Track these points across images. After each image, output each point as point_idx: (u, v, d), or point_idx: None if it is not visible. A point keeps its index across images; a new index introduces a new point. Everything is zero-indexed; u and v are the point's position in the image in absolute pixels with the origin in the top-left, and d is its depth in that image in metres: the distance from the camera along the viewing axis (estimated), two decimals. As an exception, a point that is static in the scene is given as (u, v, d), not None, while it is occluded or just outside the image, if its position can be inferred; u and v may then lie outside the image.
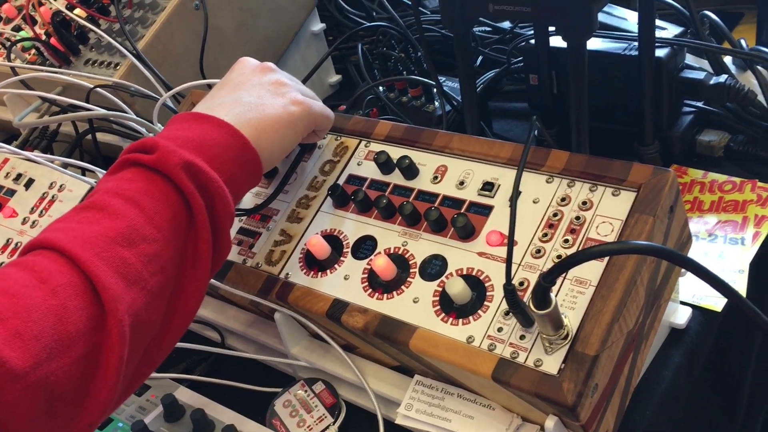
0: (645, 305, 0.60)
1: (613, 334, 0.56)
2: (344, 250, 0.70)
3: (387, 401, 0.70)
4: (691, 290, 0.75)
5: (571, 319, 0.56)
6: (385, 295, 0.65)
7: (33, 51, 1.16)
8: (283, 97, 0.66)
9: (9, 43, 1.15)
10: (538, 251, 0.61)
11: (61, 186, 0.95)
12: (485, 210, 0.66)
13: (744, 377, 0.87)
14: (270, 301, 0.71)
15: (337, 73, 1.29)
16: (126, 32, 1.01)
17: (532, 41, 0.91)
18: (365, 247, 0.69)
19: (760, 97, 0.88)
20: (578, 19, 0.72)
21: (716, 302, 0.74)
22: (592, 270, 0.58)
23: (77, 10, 1.12)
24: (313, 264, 0.70)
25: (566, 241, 0.61)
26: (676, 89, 0.88)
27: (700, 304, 0.74)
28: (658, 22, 0.88)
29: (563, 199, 0.63)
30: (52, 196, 0.95)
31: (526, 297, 0.58)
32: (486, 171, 0.68)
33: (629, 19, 0.98)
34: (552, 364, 0.55)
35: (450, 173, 0.70)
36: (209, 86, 0.98)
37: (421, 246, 0.67)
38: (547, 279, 0.51)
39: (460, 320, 0.61)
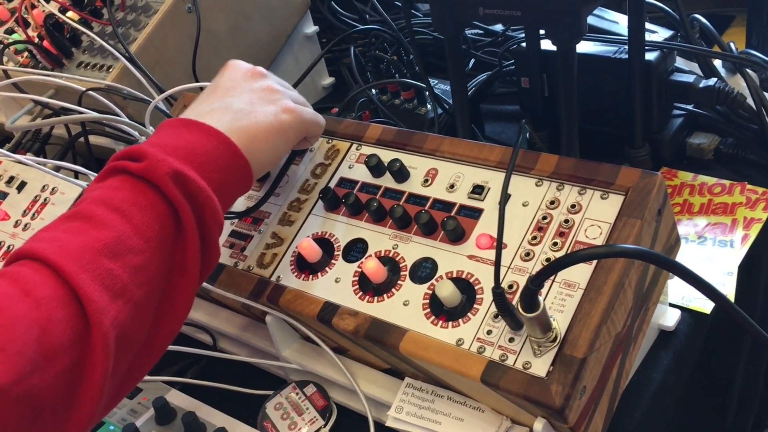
0: (633, 308, 0.60)
1: (602, 336, 0.56)
2: (335, 253, 0.70)
3: (378, 404, 0.70)
4: (680, 292, 0.75)
5: (560, 322, 0.57)
6: (376, 297, 0.66)
7: (26, 54, 1.16)
8: (274, 105, 0.65)
9: (2, 45, 1.15)
10: (528, 254, 0.62)
11: (53, 189, 0.95)
12: (475, 213, 0.66)
13: (733, 379, 0.87)
14: (261, 303, 0.72)
15: (330, 76, 1.30)
16: (118, 35, 1.01)
17: (524, 44, 0.91)
18: (356, 250, 0.70)
19: (750, 100, 0.89)
20: (567, 23, 0.72)
21: (705, 304, 0.75)
22: (580, 273, 0.58)
23: (70, 13, 1.12)
24: (305, 267, 0.70)
25: (555, 244, 0.61)
26: (666, 92, 0.88)
27: (689, 306, 0.75)
28: (649, 26, 0.89)
29: (552, 203, 0.64)
30: (45, 199, 0.95)
31: (515, 300, 0.59)
32: (476, 174, 0.69)
33: (620, 23, 0.98)
34: (540, 366, 0.56)
35: (440, 176, 0.70)
36: (202, 89, 0.98)
37: (412, 249, 0.67)
38: (535, 282, 0.52)
39: (450, 323, 0.61)
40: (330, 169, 0.76)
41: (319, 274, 0.69)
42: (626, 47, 0.86)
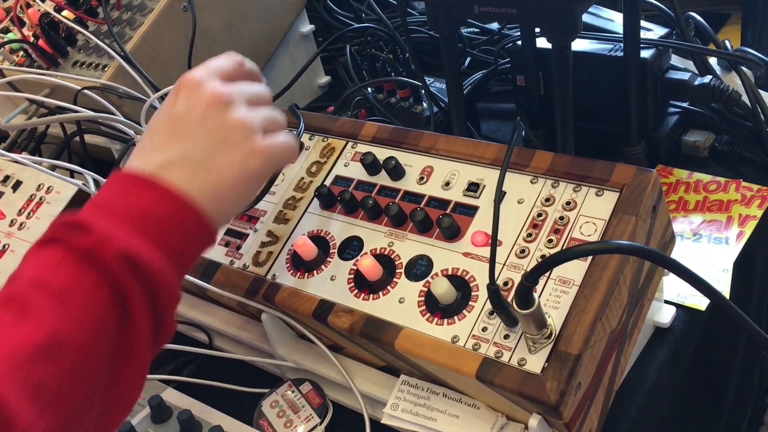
0: (628, 304, 0.60)
1: (596, 333, 0.56)
2: (331, 251, 0.70)
3: (373, 401, 0.70)
4: (675, 289, 0.76)
5: (555, 319, 0.57)
6: (371, 295, 0.66)
7: (21, 53, 1.16)
8: (240, 148, 0.55)
9: (-3, 44, 1.15)
10: (523, 251, 0.62)
11: (49, 188, 0.95)
12: (470, 210, 0.66)
13: (729, 375, 0.88)
14: (257, 302, 0.71)
15: (326, 74, 1.30)
16: (114, 34, 1.01)
17: (519, 42, 0.92)
18: (352, 247, 0.70)
19: (745, 98, 0.89)
20: (562, 21, 0.72)
21: (700, 301, 0.75)
22: (575, 269, 0.58)
23: (65, 12, 1.12)
24: (300, 265, 0.71)
25: (550, 241, 0.61)
26: (662, 90, 0.88)
27: (685, 303, 0.75)
28: (644, 24, 0.89)
29: (547, 200, 0.64)
30: (40, 198, 0.95)
31: (511, 297, 0.59)
32: (471, 172, 0.69)
33: (616, 21, 0.98)
34: (535, 363, 0.56)
35: (436, 174, 0.70)
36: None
37: (407, 246, 0.67)
38: (530, 279, 0.52)
39: (446, 320, 0.61)
40: (325, 167, 0.76)
41: (315, 272, 0.69)
42: (621, 45, 0.86)
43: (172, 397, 0.76)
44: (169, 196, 0.51)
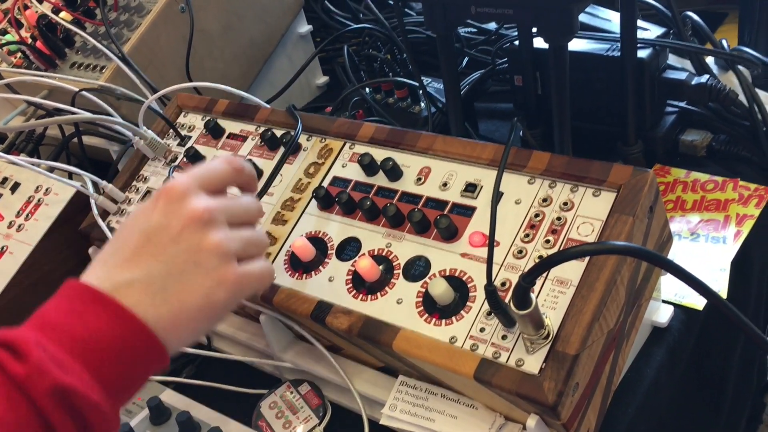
0: (625, 304, 0.60)
1: (594, 333, 0.56)
2: (329, 252, 0.70)
3: (372, 402, 0.71)
4: (672, 289, 0.76)
5: (552, 319, 0.57)
6: (369, 296, 0.66)
7: (19, 54, 1.16)
8: (209, 276, 0.51)
9: (-6, 46, 1.15)
10: (520, 252, 0.62)
11: (47, 189, 0.95)
12: (468, 211, 0.67)
13: (727, 375, 0.88)
14: (255, 303, 0.72)
15: (324, 75, 1.30)
16: (111, 35, 1.01)
17: (517, 42, 0.92)
18: (350, 248, 0.70)
19: (742, 97, 0.89)
20: (559, 21, 0.72)
21: (698, 301, 0.75)
22: (572, 270, 0.58)
23: (63, 14, 1.12)
24: (298, 266, 0.71)
25: (547, 241, 0.62)
26: (659, 90, 0.89)
27: (682, 303, 0.75)
28: (641, 23, 0.89)
29: (545, 200, 0.64)
30: (38, 200, 0.95)
31: (508, 297, 0.59)
32: (469, 172, 0.69)
33: (613, 21, 0.99)
34: (533, 363, 0.56)
35: (433, 175, 0.70)
36: (195, 89, 0.99)
37: (405, 247, 0.67)
38: (527, 279, 0.52)
39: (443, 321, 0.61)
40: (323, 168, 0.76)
41: (313, 273, 0.70)
42: (618, 45, 0.86)
43: (171, 398, 0.76)
44: (122, 320, 0.48)
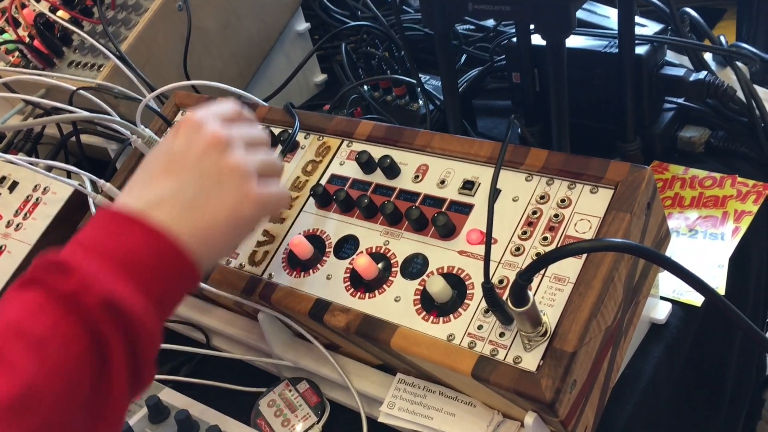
0: (623, 301, 0.60)
1: (592, 330, 0.56)
2: (327, 250, 0.70)
3: (370, 400, 0.71)
4: (670, 285, 0.76)
5: (550, 316, 0.57)
6: (367, 294, 0.66)
7: (16, 53, 1.16)
8: (234, 192, 0.54)
9: (-8, 45, 1.15)
10: (518, 249, 0.62)
11: (45, 188, 0.95)
12: (466, 209, 0.67)
13: (726, 370, 0.88)
14: (253, 301, 0.72)
15: (322, 73, 1.30)
16: (109, 34, 1.01)
17: (515, 39, 0.91)
18: (347, 246, 0.70)
19: (740, 93, 0.89)
20: (556, 18, 0.72)
21: (696, 297, 0.75)
22: (570, 267, 0.58)
23: (60, 12, 1.12)
24: (296, 264, 0.71)
25: (545, 238, 0.61)
26: (657, 86, 0.88)
27: (680, 299, 0.75)
28: (639, 20, 0.89)
29: (542, 197, 0.64)
30: (37, 199, 0.95)
31: (506, 295, 0.59)
32: (466, 170, 0.69)
33: (611, 17, 0.98)
34: (531, 361, 0.56)
35: (431, 172, 0.70)
36: (193, 87, 0.99)
37: (403, 245, 0.67)
38: (524, 277, 0.52)
39: (441, 318, 0.61)
40: (321, 166, 0.76)
41: (311, 271, 0.70)
42: (616, 41, 0.86)
43: (170, 396, 0.76)
44: (155, 237, 0.50)
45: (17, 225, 0.94)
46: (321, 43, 1.20)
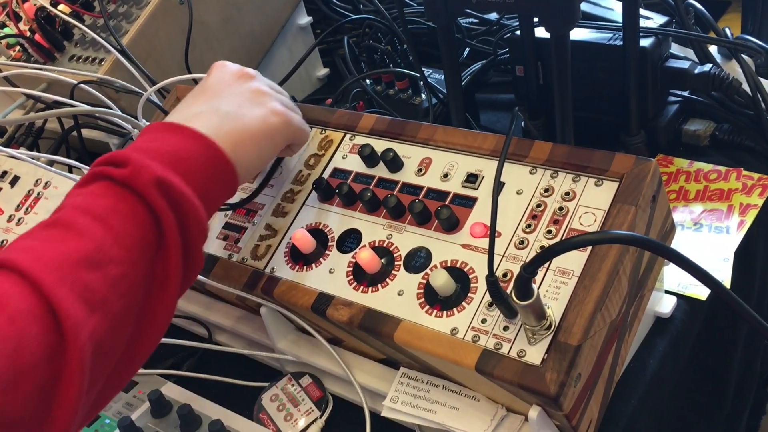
0: (628, 295, 0.60)
1: (596, 323, 0.56)
2: (329, 244, 0.70)
3: (373, 394, 0.70)
4: (675, 279, 0.75)
5: (554, 310, 0.56)
6: (370, 288, 0.65)
7: (17, 47, 1.16)
8: (262, 107, 0.64)
9: (-7, 39, 1.15)
10: (522, 242, 0.61)
11: (46, 183, 0.95)
12: (469, 202, 0.66)
13: (731, 364, 0.87)
14: (256, 295, 0.71)
15: (324, 67, 1.29)
16: (110, 27, 1.01)
17: (518, 32, 0.91)
18: (350, 240, 0.69)
19: (745, 86, 0.88)
20: (560, 10, 0.71)
21: (701, 291, 0.74)
22: (574, 260, 0.58)
23: (61, 6, 1.11)
24: (299, 258, 0.70)
25: (549, 231, 0.61)
26: (661, 79, 0.88)
27: (685, 293, 0.75)
28: (643, 12, 0.88)
29: (546, 190, 0.63)
30: (38, 193, 0.94)
31: (510, 288, 0.58)
32: (470, 163, 0.68)
33: (615, 9, 0.98)
34: (535, 354, 0.55)
35: (434, 165, 0.70)
36: (195, 81, 0.98)
37: (406, 238, 0.67)
38: (528, 270, 0.51)
39: (444, 312, 0.61)
40: (323, 160, 0.76)
41: (314, 265, 0.69)
42: (621, 34, 0.85)
43: (172, 391, 0.76)
44: (194, 138, 0.57)
45: (18, 219, 0.93)
46: (323, 37, 1.20)
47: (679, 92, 0.92)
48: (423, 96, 1.03)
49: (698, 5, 0.94)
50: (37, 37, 1.10)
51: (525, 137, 0.81)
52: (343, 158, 0.75)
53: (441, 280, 0.60)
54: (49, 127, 1.14)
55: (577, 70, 0.78)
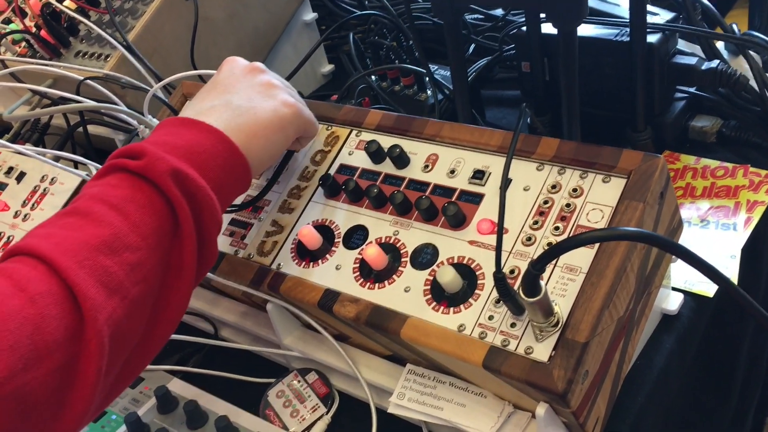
0: (635, 292, 0.60)
1: (604, 320, 0.56)
2: (336, 240, 0.70)
3: (380, 390, 0.70)
4: (683, 276, 0.75)
5: (562, 307, 0.56)
6: (377, 284, 0.65)
7: (23, 43, 1.16)
8: (273, 99, 0.65)
9: (-1, 35, 1.15)
10: (529, 239, 0.61)
11: (52, 179, 0.95)
12: (476, 198, 0.66)
13: (737, 362, 0.87)
14: (262, 291, 0.71)
15: (329, 63, 1.29)
16: (116, 23, 1.01)
17: (524, 28, 0.91)
18: (357, 236, 0.69)
19: (752, 82, 0.88)
20: (568, 6, 0.71)
21: (708, 288, 0.74)
22: (582, 257, 0.58)
23: (67, 2, 1.11)
24: (305, 254, 0.70)
25: (557, 228, 0.61)
26: (668, 75, 0.88)
27: (692, 290, 0.74)
28: (650, 8, 0.88)
29: (554, 187, 0.63)
30: (44, 189, 0.95)
31: (517, 285, 0.58)
32: (477, 159, 0.68)
33: (622, 5, 0.97)
34: (542, 351, 0.55)
35: (441, 162, 0.70)
36: (200, 77, 0.98)
37: (413, 235, 0.66)
38: (536, 266, 0.51)
39: (451, 309, 0.61)
40: (330, 156, 0.76)
41: (320, 261, 0.69)
42: (628, 30, 0.85)
43: (178, 387, 0.76)
44: (208, 132, 0.58)
45: (25, 215, 0.93)
46: (328, 33, 1.19)
47: (686, 88, 0.92)
48: (428, 92, 1.03)
49: (705, 1, 0.93)
50: (43, 33, 1.10)
51: (531, 133, 0.81)
52: (350, 154, 0.75)
53: (448, 277, 0.60)
54: (55, 123, 1.14)
55: (584, 66, 0.78)
